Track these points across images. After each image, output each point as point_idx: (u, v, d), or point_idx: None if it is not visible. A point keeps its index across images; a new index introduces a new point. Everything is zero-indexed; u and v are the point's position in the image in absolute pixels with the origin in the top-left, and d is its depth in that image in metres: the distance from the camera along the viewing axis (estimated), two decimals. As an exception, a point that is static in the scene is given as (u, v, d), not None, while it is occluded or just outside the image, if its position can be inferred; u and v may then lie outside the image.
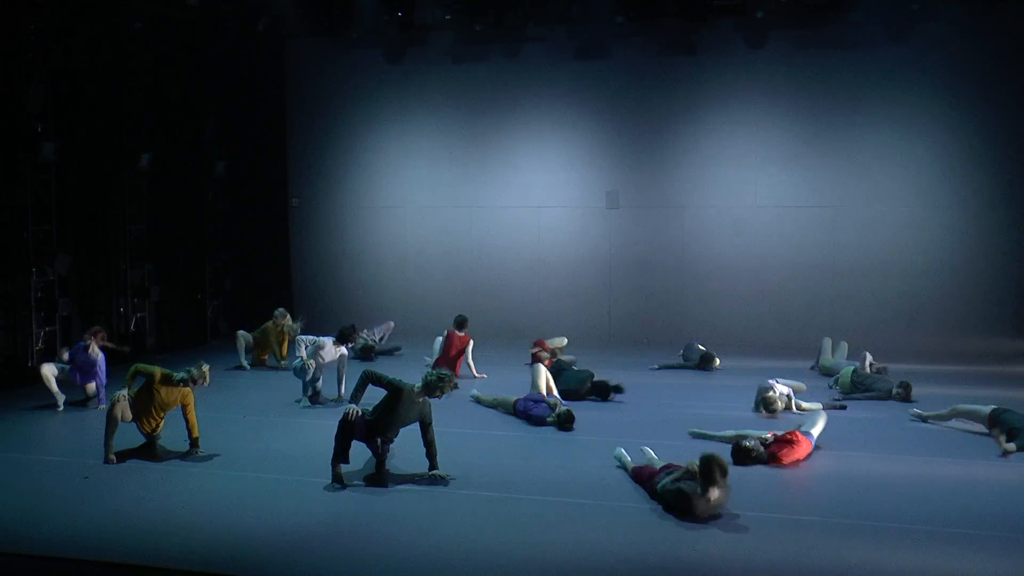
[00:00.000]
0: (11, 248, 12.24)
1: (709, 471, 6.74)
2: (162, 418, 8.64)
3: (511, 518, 7.00)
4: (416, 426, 7.84)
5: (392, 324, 14.31)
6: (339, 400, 10.60)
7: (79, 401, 10.60)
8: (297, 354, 10.81)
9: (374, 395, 7.87)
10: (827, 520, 6.93)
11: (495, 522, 6.92)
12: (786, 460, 8.23)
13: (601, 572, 6.08)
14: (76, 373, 10.54)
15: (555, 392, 10.58)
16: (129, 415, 8.44)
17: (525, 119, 16.00)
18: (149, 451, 8.61)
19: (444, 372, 8.00)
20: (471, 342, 12.35)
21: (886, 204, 14.75)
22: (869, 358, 11.73)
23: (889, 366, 12.03)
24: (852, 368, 11.37)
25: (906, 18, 14.18)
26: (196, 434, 8.57)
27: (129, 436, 8.61)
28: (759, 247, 15.18)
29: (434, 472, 7.78)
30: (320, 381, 10.85)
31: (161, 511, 7.18)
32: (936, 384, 11.40)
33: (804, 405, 10.38)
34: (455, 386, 7.98)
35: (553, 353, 12.21)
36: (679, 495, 6.88)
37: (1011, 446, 8.61)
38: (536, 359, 11.64)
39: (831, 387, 11.35)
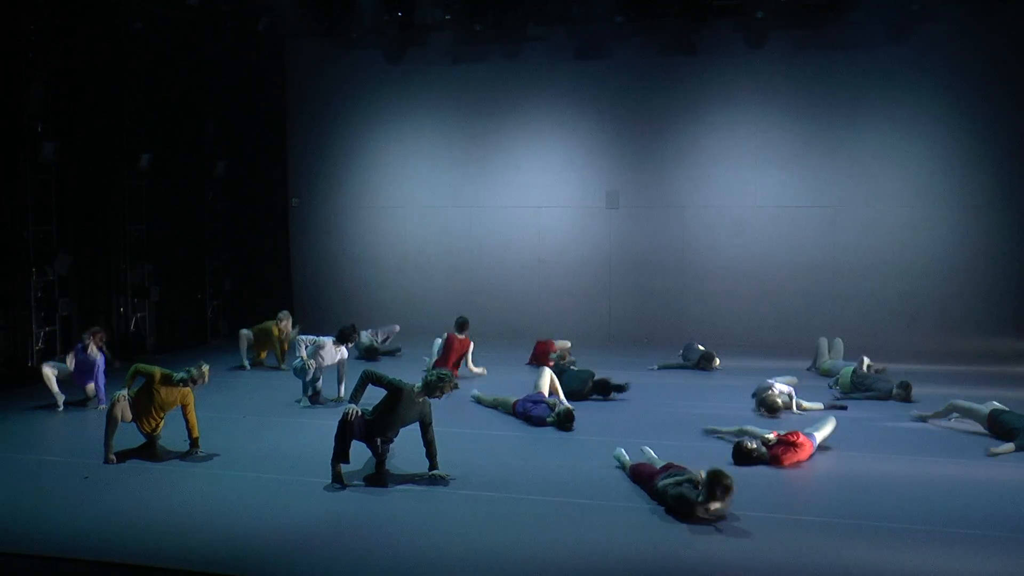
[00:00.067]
0: (11, 248, 12.24)
1: (713, 487, 6.73)
2: (162, 418, 8.64)
3: (511, 518, 7.00)
4: (416, 426, 7.84)
5: (397, 328, 14.24)
6: (339, 400, 10.59)
7: (79, 401, 10.59)
8: (297, 354, 10.81)
9: (374, 395, 7.87)
10: (827, 520, 6.93)
11: (495, 522, 6.92)
12: (787, 462, 8.23)
13: (601, 572, 6.08)
14: (76, 373, 10.54)
15: (560, 394, 10.53)
16: (129, 415, 8.44)
17: (525, 119, 16.00)
18: (149, 451, 8.60)
19: (444, 372, 7.99)
20: (472, 345, 12.33)
21: (886, 204, 14.76)
22: (867, 361, 11.72)
23: (889, 366, 12.06)
24: (852, 368, 11.37)
25: (906, 18, 14.18)
26: (196, 434, 8.56)
27: (129, 436, 8.60)
28: (759, 247, 15.19)
29: (434, 472, 7.78)
30: (320, 381, 10.85)
31: (161, 511, 7.17)
32: (936, 384, 11.40)
33: (805, 404, 10.38)
34: (455, 386, 7.98)
35: (562, 355, 12.18)
36: (680, 499, 6.88)
37: (1009, 446, 8.62)
38: (540, 362, 11.68)
39: (831, 387, 11.35)
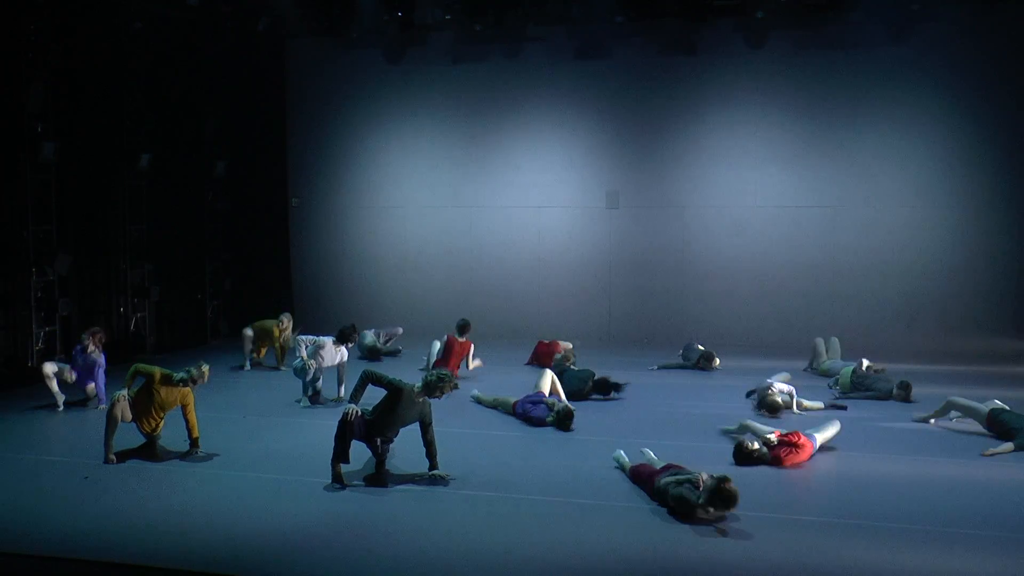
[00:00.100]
0: (11, 248, 12.24)
1: (715, 498, 6.72)
2: (162, 418, 8.64)
3: (511, 518, 7.00)
4: (416, 426, 7.84)
5: (400, 331, 14.19)
6: (339, 400, 10.59)
7: (79, 401, 10.59)
8: (297, 354, 10.81)
9: (374, 395, 7.87)
10: (827, 520, 6.93)
11: (495, 522, 6.92)
12: (788, 463, 8.22)
13: (601, 572, 6.08)
14: (76, 373, 10.52)
15: (561, 394, 10.51)
16: (129, 415, 8.44)
17: (525, 119, 16.00)
18: (149, 451, 8.61)
19: (444, 372, 7.99)
20: (472, 347, 12.32)
21: (886, 204, 14.76)
22: (866, 363, 11.71)
23: (889, 366, 12.04)
24: (852, 368, 11.37)
25: (906, 18, 14.18)
26: (196, 434, 8.56)
27: (129, 436, 8.61)
28: (759, 247, 15.19)
29: (434, 472, 7.77)
30: (320, 381, 10.85)
31: (161, 511, 7.17)
32: (936, 384, 11.39)
33: (806, 403, 10.38)
34: (455, 386, 7.99)
35: (566, 357, 12.18)
36: (680, 500, 6.87)
37: (1007, 446, 8.62)
38: (542, 363, 11.68)
39: (831, 387, 11.35)
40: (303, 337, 10.95)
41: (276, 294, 16.17)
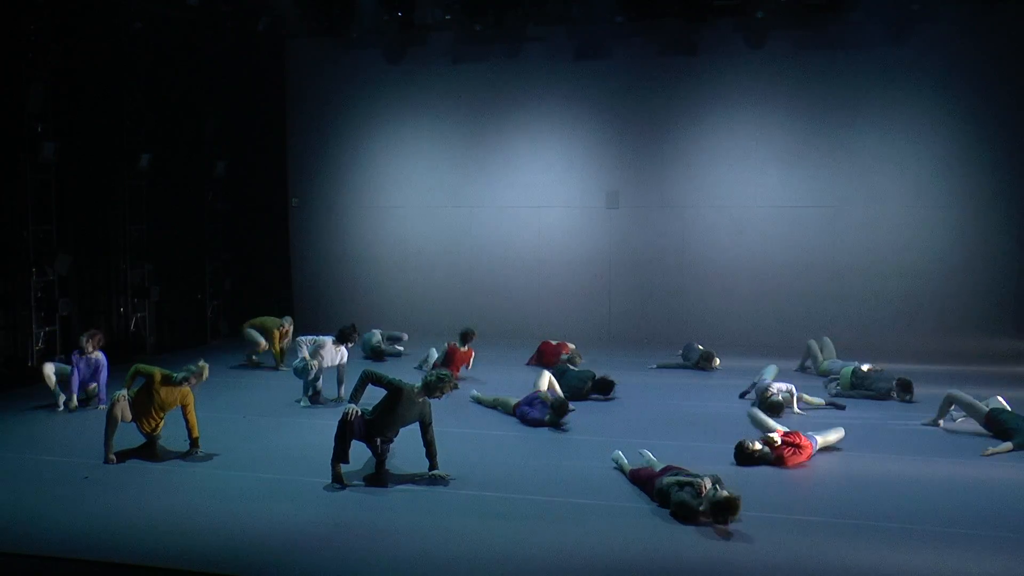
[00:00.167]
0: (11, 248, 12.24)
1: (716, 511, 6.72)
2: (162, 418, 8.64)
3: (511, 518, 7.00)
4: (416, 426, 7.85)
5: (406, 336, 14.07)
6: (339, 400, 10.59)
7: (79, 401, 10.57)
8: (299, 354, 10.81)
9: (374, 395, 7.88)
10: (828, 520, 6.93)
11: (495, 522, 6.92)
12: (791, 463, 8.22)
13: (601, 572, 6.08)
14: (78, 374, 10.47)
15: (558, 391, 10.53)
16: (129, 415, 8.44)
17: (525, 119, 16.00)
18: (149, 451, 8.61)
19: (444, 372, 7.99)
20: (473, 356, 12.24)
21: (886, 204, 14.75)
22: (866, 367, 11.65)
23: (888, 367, 12.01)
24: (852, 368, 11.35)
25: (906, 18, 14.18)
26: (196, 434, 8.56)
27: (129, 436, 8.61)
28: (759, 247, 15.19)
29: (434, 472, 7.78)
30: (320, 381, 10.85)
31: (161, 511, 7.17)
32: (936, 384, 11.36)
33: (807, 398, 10.38)
34: (455, 386, 8.00)
35: (572, 358, 12.17)
36: (681, 505, 6.86)
37: (1006, 446, 8.62)
38: (547, 364, 11.69)
39: (826, 387, 11.33)
40: (303, 337, 10.96)
41: (276, 294, 16.17)
